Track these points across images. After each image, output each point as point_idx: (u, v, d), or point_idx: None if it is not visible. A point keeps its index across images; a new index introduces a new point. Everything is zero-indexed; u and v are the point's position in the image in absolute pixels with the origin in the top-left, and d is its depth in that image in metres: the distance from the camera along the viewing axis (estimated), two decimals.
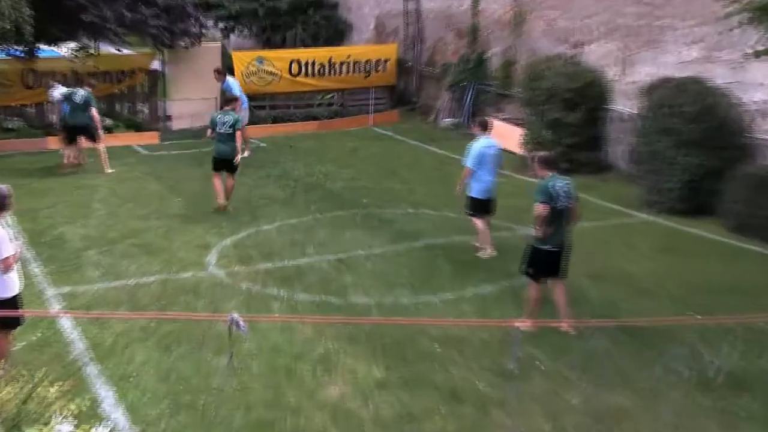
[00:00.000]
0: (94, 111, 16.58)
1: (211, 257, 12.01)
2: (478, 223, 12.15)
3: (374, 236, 13.06)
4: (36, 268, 11.45)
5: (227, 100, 15.11)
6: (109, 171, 16.63)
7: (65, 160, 16.84)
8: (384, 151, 19.22)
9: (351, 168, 17.61)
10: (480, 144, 12.03)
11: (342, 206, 14.68)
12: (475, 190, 12.07)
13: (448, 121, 22.02)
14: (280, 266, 11.67)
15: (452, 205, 14.72)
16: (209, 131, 14.04)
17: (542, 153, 10.06)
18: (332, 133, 21.45)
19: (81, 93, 16.67)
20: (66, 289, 10.76)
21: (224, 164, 14.01)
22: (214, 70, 18.92)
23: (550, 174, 9.46)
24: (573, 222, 9.50)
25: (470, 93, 21.72)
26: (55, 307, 10.16)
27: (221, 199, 14.00)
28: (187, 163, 17.64)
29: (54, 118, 17.51)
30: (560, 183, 9.42)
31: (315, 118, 22.52)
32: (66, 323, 9.65)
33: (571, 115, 16.95)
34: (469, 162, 11.93)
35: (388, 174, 16.99)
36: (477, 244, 12.24)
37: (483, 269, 11.64)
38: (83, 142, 16.86)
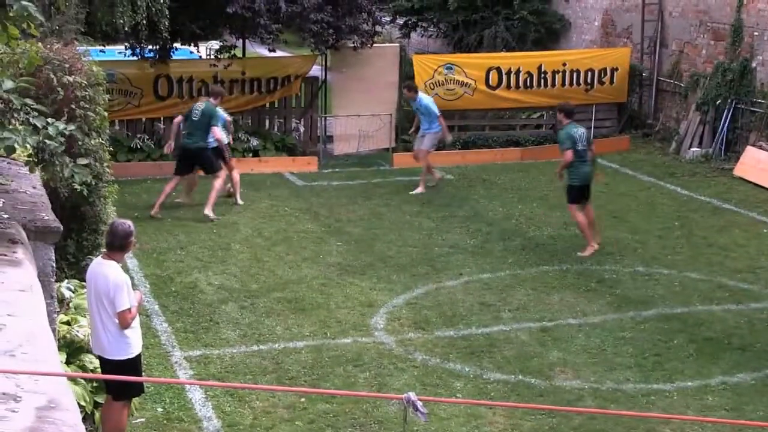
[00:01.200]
0: (216, 130, 16.91)
1: (378, 319, 12.39)
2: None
3: (590, 301, 13.08)
4: (161, 325, 12.19)
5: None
6: (240, 202, 17.49)
7: (162, 197, 17.04)
8: (607, 188, 19.12)
9: (562, 210, 17.61)
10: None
11: (549, 260, 14.78)
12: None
13: (695, 151, 21.71)
14: (466, 335, 11.89)
15: (697, 263, 14.57)
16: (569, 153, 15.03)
17: (563, 103, 15.95)
18: (540, 163, 21.54)
19: (199, 107, 17.01)
20: (197, 351, 11.38)
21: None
22: (405, 87, 19.48)
23: (569, 122, 14.97)
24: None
25: (728, 114, 21.35)
26: (184, 374, 10.75)
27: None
28: (352, 197, 18.19)
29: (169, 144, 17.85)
30: (579, 129, 15.05)
31: (518, 144, 22.66)
32: (196, 394, 10.22)
33: None
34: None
35: (611, 220, 16.94)
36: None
37: (737, 351, 11.46)
38: (196, 174, 17.52)
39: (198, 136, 16.88)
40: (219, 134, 16.91)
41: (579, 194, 15.12)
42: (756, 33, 21.05)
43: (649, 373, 10.87)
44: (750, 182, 19.38)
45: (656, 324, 12.29)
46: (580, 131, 15.10)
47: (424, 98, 19.05)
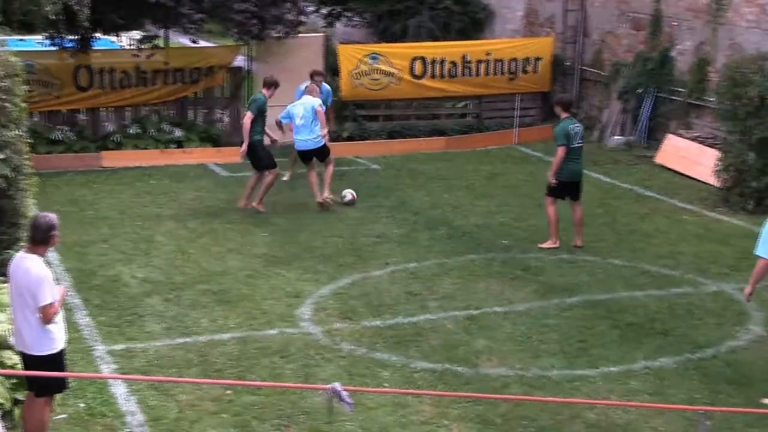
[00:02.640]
0: (247, 117, 16.64)
1: (305, 310, 12.35)
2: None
3: (516, 289, 13.16)
4: (83, 319, 12.02)
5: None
6: (262, 210, 16.62)
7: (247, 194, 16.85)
8: (532, 177, 19.25)
9: (488, 199, 17.75)
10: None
11: (475, 249, 14.84)
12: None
13: (617, 139, 21.93)
14: (393, 324, 11.90)
15: (620, 250, 14.72)
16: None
17: (562, 95, 16.52)
18: (464, 153, 21.63)
19: (254, 98, 17.05)
20: (120, 345, 11.25)
21: None
22: (315, 74, 19.00)
23: (567, 116, 14.67)
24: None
25: (648, 103, 21.60)
26: (107, 369, 10.63)
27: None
28: (278, 188, 18.09)
29: None
30: (576, 125, 14.72)
31: (443, 133, 22.71)
32: (120, 389, 10.10)
33: None
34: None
35: (536, 208, 17.03)
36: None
37: (659, 336, 11.61)
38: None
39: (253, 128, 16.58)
40: (247, 121, 16.57)
41: (559, 190, 14.77)
42: (675, 23, 21.31)
43: (573, 359, 10.96)
44: (671, 169, 19.63)
45: (581, 311, 12.39)
46: (577, 127, 14.76)
47: (326, 85, 19.02)
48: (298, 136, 16.69)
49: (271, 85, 16.86)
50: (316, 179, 16.68)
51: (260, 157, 16.67)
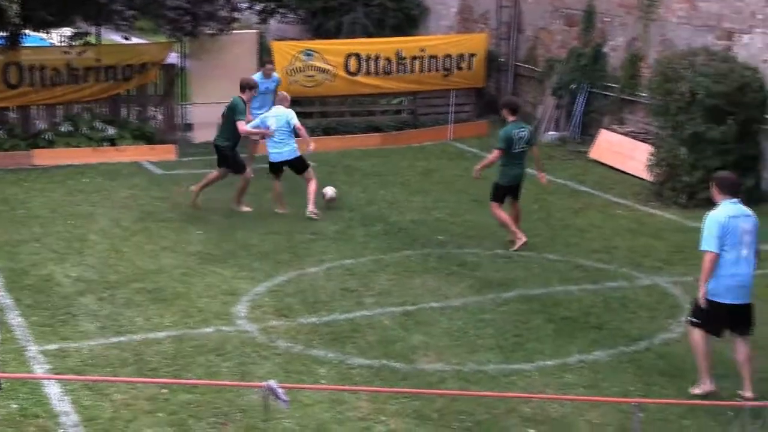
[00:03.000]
0: (240, 124, 16.12)
1: (241, 308, 12.29)
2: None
3: (452, 284, 13.21)
4: (15, 319, 11.86)
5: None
6: (246, 209, 16.50)
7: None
8: (467, 173, 19.26)
9: (424, 195, 17.80)
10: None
11: (411, 245, 14.87)
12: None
13: (552, 134, 22.11)
14: (329, 321, 11.89)
15: (555, 245, 14.85)
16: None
17: (509, 98, 16.09)
18: (400, 149, 21.67)
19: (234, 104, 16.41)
20: (54, 345, 11.11)
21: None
22: (267, 62, 19.38)
23: (513, 120, 14.48)
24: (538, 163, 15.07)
25: (582, 98, 21.79)
26: (40, 369, 10.50)
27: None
28: (212, 186, 18.00)
29: None
30: (521, 131, 14.46)
31: (378, 130, 22.75)
32: (53, 389, 9.97)
33: (717, 128, 16.91)
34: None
35: (471, 204, 17.13)
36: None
37: (594, 329, 11.72)
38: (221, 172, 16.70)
39: (221, 130, 16.58)
40: (243, 127, 16.15)
41: (504, 194, 14.80)
42: (607, 19, 21.52)
43: (509, 353, 11.03)
44: (604, 164, 19.83)
45: (516, 305, 12.47)
46: (522, 132, 14.50)
47: (276, 73, 19.15)
48: (273, 149, 16.27)
49: (246, 87, 16.45)
50: (282, 190, 16.42)
51: (233, 163, 16.52)
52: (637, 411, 6.92)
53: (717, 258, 9.69)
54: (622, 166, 19.43)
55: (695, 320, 9.94)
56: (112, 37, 23.29)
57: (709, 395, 9.83)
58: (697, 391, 9.95)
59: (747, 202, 16.75)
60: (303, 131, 16.35)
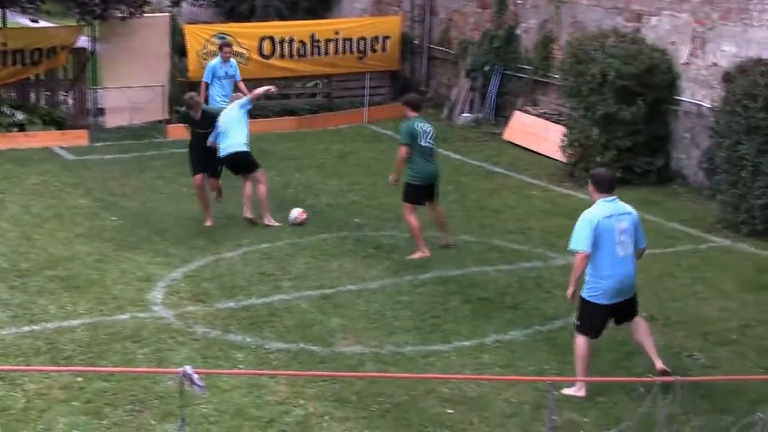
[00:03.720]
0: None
1: (156, 294, 12.18)
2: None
3: (369, 267, 13.22)
4: None
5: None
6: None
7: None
8: (383, 156, 19.37)
9: (340, 178, 17.79)
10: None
11: (327, 228, 14.86)
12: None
13: (466, 116, 22.23)
14: (247, 305, 11.83)
15: (471, 226, 14.94)
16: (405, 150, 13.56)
17: (410, 95, 14.98)
18: (315, 132, 21.64)
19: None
20: None
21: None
22: (227, 45, 19.06)
23: (415, 116, 13.60)
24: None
25: (496, 80, 21.93)
26: None
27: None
28: (126, 171, 17.82)
29: None
30: (425, 125, 13.62)
31: (293, 113, 22.68)
32: None
33: (627, 109, 17.15)
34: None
35: (387, 187, 17.12)
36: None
37: (509, 309, 11.83)
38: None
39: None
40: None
41: (417, 194, 13.70)
42: (519, 1, 21.67)
43: (427, 335, 11.08)
44: (518, 146, 20.01)
45: (433, 287, 12.53)
46: (425, 127, 13.59)
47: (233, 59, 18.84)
48: (223, 143, 14.74)
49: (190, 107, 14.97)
50: (251, 191, 15.04)
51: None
52: (552, 389, 7.00)
53: (587, 258, 9.48)
54: (536, 147, 19.62)
55: (578, 323, 9.81)
56: (20, 20, 22.88)
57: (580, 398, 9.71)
58: (571, 392, 9.76)
59: (657, 181, 17.30)
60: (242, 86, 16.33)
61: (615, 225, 9.57)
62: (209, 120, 14.80)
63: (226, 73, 18.22)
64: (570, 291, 9.73)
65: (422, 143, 13.51)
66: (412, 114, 13.72)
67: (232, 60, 18.64)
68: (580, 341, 9.75)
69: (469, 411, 9.35)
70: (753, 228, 14.83)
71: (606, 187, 9.76)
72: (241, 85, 18.43)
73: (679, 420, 8.71)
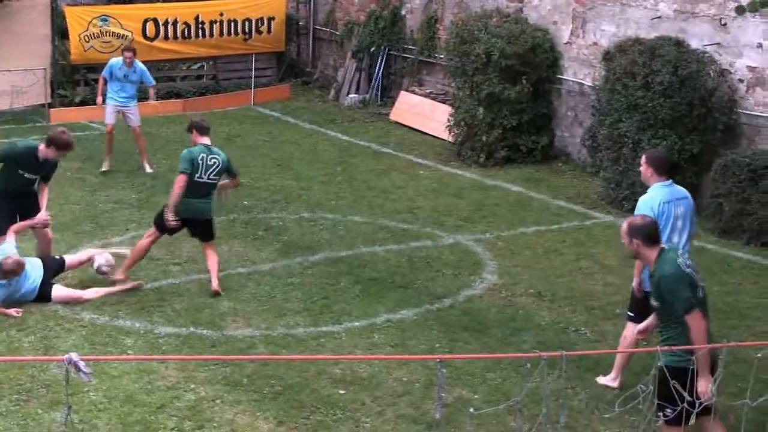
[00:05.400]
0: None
1: None
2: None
3: (258, 249, 13.15)
4: None
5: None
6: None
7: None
8: (270, 137, 19.29)
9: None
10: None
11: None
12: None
13: (353, 97, 22.22)
14: (135, 290, 11.67)
15: (360, 207, 14.96)
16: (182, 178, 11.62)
17: (196, 119, 12.43)
18: (202, 114, 21.42)
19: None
20: None
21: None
22: (127, 49, 17.41)
23: (202, 142, 11.71)
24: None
25: (381, 61, 21.96)
26: None
27: None
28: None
29: None
30: (211, 156, 11.62)
31: (179, 96, 22.44)
32: None
33: (511, 88, 17.33)
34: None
35: (276, 168, 17.09)
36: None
37: (399, 289, 11.87)
38: None
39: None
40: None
41: (174, 227, 11.74)
42: None
43: (318, 316, 11.07)
44: (405, 126, 20.07)
45: (323, 268, 12.52)
46: (210, 159, 11.62)
47: (140, 65, 17.70)
48: None
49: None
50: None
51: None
52: (441, 367, 7.05)
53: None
54: (423, 127, 19.70)
55: (631, 313, 9.33)
56: None
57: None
58: (605, 381, 9.61)
59: (542, 159, 17.54)
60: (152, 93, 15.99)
61: (673, 210, 9.10)
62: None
63: (125, 76, 17.29)
64: (635, 282, 9.23)
65: (201, 178, 11.57)
66: (200, 139, 11.78)
67: (138, 64, 17.39)
68: (628, 332, 9.28)
69: (361, 391, 9.37)
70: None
71: (665, 171, 9.25)
72: (151, 92, 17.85)
73: (566, 394, 8.85)
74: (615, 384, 9.54)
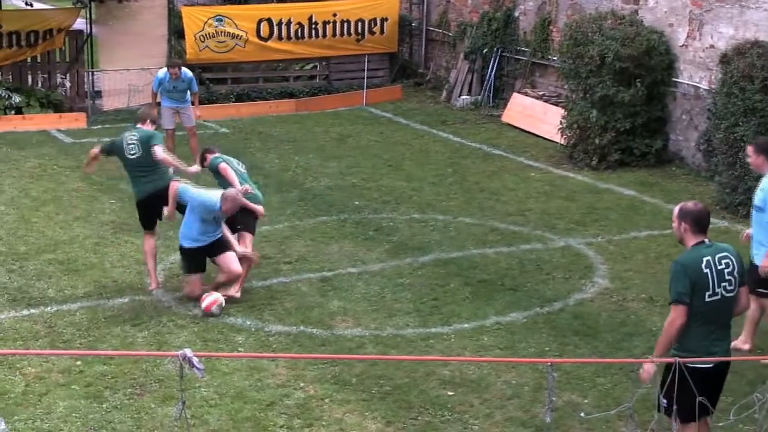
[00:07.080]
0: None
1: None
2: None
3: (369, 249, 13.20)
4: None
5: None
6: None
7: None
8: (382, 138, 19.34)
9: (339, 161, 17.74)
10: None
11: (327, 210, 14.83)
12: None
13: (465, 98, 22.17)
14: (247, 288, 11.78)
15: (470, 208, 14.92)
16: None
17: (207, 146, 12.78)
18: (314, 114, 21.58)
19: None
20: None
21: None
22: (172, 66, 17.06)
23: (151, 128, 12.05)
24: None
25: (494, 62, 21.87)
26: None
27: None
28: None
29: None
30: (131, 134, 11.87)
31: (292, 96, 22.65)
32: None
33: (625, 91, 17.11)
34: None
35: (387, 169, 17.14)
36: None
37: (510, 292, 11.81)
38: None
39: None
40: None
41: (144, 212, 11.94)
42: None
43: (427, 317, 11.07)
44: (517, 128, 19.94)
45: (433, 269, 12.51)
46: (132, 137, 11.77)
47: (189, 73, 17.83)
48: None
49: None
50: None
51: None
52: (551, 371, 7.00)
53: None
54: (535, 130, 19.56)
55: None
56: (14, 2, 22.81)
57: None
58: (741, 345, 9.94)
59: (655, 163, 17.27)
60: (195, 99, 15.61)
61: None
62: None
63: (174, 87, 17.39)
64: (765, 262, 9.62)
65: (127, 155, 11.77)
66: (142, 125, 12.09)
67: (186, 74, 17.33)
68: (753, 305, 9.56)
69: (470, 393, 9.35)
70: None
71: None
72: (195, 98, 17.51)
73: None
74: (746, 346, 9.87)
